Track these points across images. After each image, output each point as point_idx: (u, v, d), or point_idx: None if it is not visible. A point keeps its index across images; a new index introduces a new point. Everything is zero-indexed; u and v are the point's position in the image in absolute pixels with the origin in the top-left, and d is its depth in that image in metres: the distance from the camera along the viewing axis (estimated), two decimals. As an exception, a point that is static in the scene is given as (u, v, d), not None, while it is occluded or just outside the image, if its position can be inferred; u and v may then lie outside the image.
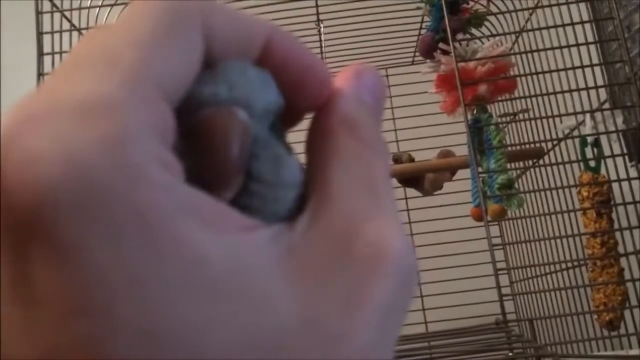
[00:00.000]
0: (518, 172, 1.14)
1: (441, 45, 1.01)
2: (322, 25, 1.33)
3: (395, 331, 0.16)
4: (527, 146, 1.09)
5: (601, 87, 0.93)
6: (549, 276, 0.97)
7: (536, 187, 1.09)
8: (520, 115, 1.09)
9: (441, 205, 1.36)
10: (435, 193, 1.32)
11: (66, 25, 0.96)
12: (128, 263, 0.12)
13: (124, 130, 0.13)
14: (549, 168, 1.03)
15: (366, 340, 0.14)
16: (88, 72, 0.14)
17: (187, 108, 0.17)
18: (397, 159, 1.31)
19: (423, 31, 1.31)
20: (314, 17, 1.32)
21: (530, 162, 1.12)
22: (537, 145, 1.08)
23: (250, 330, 0.13)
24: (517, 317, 0.80)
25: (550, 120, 1.01)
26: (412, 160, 1.29)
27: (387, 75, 1.49)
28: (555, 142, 1.02)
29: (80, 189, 0.12)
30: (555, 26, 0.98)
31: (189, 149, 0.16)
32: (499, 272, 1.34)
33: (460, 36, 1.01)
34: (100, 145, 0.12)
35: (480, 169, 0.99)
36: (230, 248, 0.14)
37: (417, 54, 1.43)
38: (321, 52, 1.39)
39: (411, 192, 1.37)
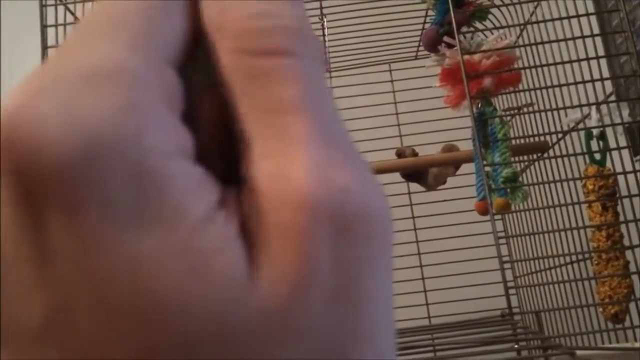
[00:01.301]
0: (522, 165, 1.14)
1: (446, 38, 1.01)
2: (325, 20, 1.32)
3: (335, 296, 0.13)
4: (532, 139, 1.09)
5: (607, 79, 0.93)
6: (553, 270, 0.97)
7: (541, 181, 1.09)
8: (525, 108, 1.09)
9: (445, 200, 1.35)
10: (439, 188, 1.31)
11: (70, 18, 0.96)
12: (124, 231, 0.12)
13: (135, 97, 0.13)
14: (553, 161, 1.03)
15: (276, 304, 0.12)
16: (96, 40, 0.14)
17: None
18: (400, 154, 1.31)
19: (427, 25, 1.31)
20: (318, 12, 1.32)
21: (535, 156, 1.11)
22: (542, 138, 1.08)
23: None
24: (520, 310, 0.79)
25: (555, 113, 1.01)
26: (415, 154, 1.28)
27: (390, 70, 1.49)
28: (560, 135, 1.02)
29: (88, 155, 0.12)
30: (560, 18, 0.97)
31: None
32: (505, 266, 1.34)
33: (464, 29, 1.01)
34: (111, 112, 0.13)
35: (485, 163, 0.99)
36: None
37: (420, 48, 1.43)
38: (324, 47, 1.39)
39: (414, 186, 1.36)
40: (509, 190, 0.95)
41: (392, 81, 1.48)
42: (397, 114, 1.47)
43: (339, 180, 0.13)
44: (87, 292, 0.12)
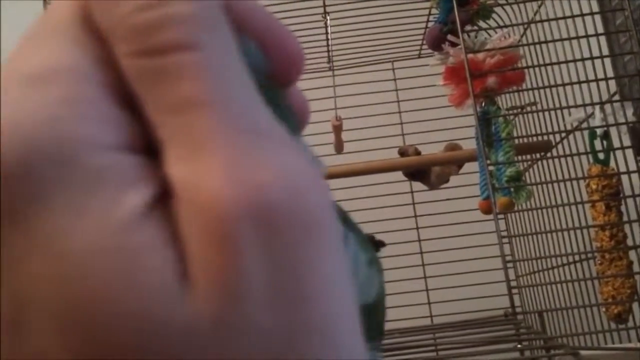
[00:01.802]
0: (526, 165, 1.14)
1: (450, 37, 1.00)
2: (328, 18, 1.32)
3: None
4: (535, 139, 1.09)
5: (611, 78, 0.92)
6: (555, 270, 0.96)
7: (544, 180, 1.09)
8: (529, 107, 1.08)
9: (447, 199, 1.35)
10: (442, 187, 1.31)
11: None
12: (58, 226, 0.12)
13: (74, 91, 0.13)
14: (556, 161, 1.02)
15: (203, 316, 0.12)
16: (43, 42, 0.14)
17: None
18: (403, 152, 1.30)
19: (430, 24, 1.31)
20: (321, 10, 1.31)
21: (538, 155, 1.11)
22: (545, 137, 1.08)
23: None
24: (522, 309, 0.79)
25: (559, 112, 1.00)
26: (418, 153, 1.28)
27: (393, 69, 1.48)
28: (563, 135, 1.01)
29: (23, 155, 0.12)
30: (564, 17, 0.97)
31: None
32: (508, 265, 1.34)
33: (468, 28, 1.00)
34: (48, 108, 0.13)
35: (488, 162, 0.99)
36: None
37: (423, 47, 1.42)
38: (327, 45, 1.39)
39: (417, 185, 1.36)
40: (512, 189, 0.95)
41: (394, 80, 1.48)
42: (399, 112, 1.47)
43: (254, 177, 0.12)
44: (26, 295, 0.12)
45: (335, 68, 1.39)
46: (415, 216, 1.43)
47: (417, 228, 1.42)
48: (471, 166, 1.25)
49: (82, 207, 0.12)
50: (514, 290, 0.81)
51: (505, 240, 1.19)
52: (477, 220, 1.28)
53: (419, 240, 1.41)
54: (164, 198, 0.13)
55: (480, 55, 0.95)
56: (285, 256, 0.12)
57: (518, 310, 1.12)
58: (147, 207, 0.13)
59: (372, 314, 0.21)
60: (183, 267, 0.12)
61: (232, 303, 0.12)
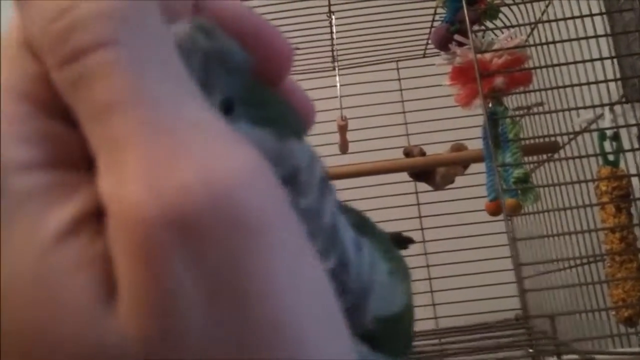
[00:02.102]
0: (532, 166, 1.13)
1: (457, 37, 0.99)
2: (333, 17, 1.31)
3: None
4: (543, 140, 1.08)
5: (620, 79, 0.91)
6: (562, 272, 0.96)
7: (550, 182, 1.08)
8: (537, 108, 1.07)
9: (452, 200, 1.34)
10: (446, 187, 1.30)
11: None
12: None
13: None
14: (564, 162, 1.01)
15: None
16: None
17: None
18: (408, 153, 1.30)
19: (435, 23, 1.30)
20: (326, 9, 1.31)
21: (545, 156, 1.10)
22: (553, 139, 1.07)
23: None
24: (524, 313, 0.78)
25: (567, 113, 0.99)
26: (423, 154, 1.27)
27: (397, 69, 1.47)
28: (572, 136, 1.00)
29: None
30: (572, 17, 0.96)
31: None
32: (507, 269, 1.33)
33: (475, 28, 0.99)
34: None
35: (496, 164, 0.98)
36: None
37: (429, 46, 1.41)
38: (332, 44, 1.38)
39: (422, 186, 1.35)
40: (519, 191, 0.94)
41: (399, 79, 1.47)
42: (404, 112, 1.46)
43: (173, 180, 0.11)
44: None
45: (339, 67, 1.38)
46: (420, 217, 1.42)
47: (422, 229, 1.41)
48: (476, 167, 1.24)
49: (6, 234, 0.12)
50: (525, 293, 0.80)
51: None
52: (482, 222, 1.27)
53: (424, 241, 1.40)
54: (99, 213, 0.12)
55: (488, 55, 0.94)
56: (217, 261, 0.11)
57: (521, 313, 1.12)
58: (74, 225, 0.12)
59: (397, 325, 0.20)
60: (111, 286, 0.12)
61: (159, 319, 0.11)
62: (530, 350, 0.70)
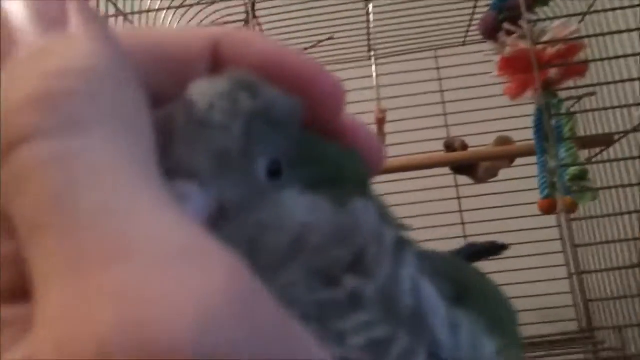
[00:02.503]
0: (584, 160, 1.07)
1: (506, 25, 0.94)
2: (370, 5, 1.26)
3: None
4: (595, 132, 1.02)
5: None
6: (625, 279, 0.90)
7: (603, 179, 1.02)
8: (590, 103, 1.01)
9: (495, 193, 1.29)
10: (489, 180, 1.25)
11: (112, 9, 0.92)
12: None
13: None
14: (620, 157, 0.96)
15: None
16: None
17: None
18: (449, 145, 1.25)
19: (477, 10, 1.24)
20: (363, -4, 1.26)
21: (598, 150, 1.04)
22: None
23: None
24: (588, 325, 0.72)
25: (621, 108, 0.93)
26: (465, 147, 1.22)
27: (436, 57, 1.42)
28: (623, 133, 0.94)
29: None
30: (623, 8, 0.90)
31: None
32: (559, 264, 1.28)
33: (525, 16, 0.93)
34: None
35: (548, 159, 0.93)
36: None
37: (469, 34, 1.36)
38: (368, 33, 1.33)
39: (462, 179, 1.30)
40: (575, 188, 0.88)
41: (437, 69, 1.41)
42: (443, 102, 1.40)
43: (90, 325, 0.09)
44: None
45: (376, 57, 1.33)
46: (461, 211, 1.37)
47: (463, 224, 1.36)
48: (523, 159, 1.19)
49: None
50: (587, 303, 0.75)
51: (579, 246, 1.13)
52: (528, 215, 1.22)
53: (464, 236, 1.35)
54: None
55: (541, 45, 0.89)
56: None
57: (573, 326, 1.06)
58: None
59: None
60: None
61: None
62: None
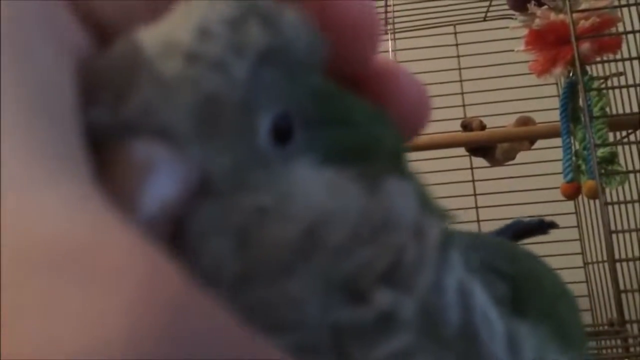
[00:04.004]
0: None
1: (537, -5, 0.88)
2: (389, -24, 1.20)
3: None
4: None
5: None
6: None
7: (630, 163, 0.96)
8: (618, 81, 0.95)
9: (512, 177, 1.24)
10: (506, 163, 1.20)
11: None
12: None
13: None
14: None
15: None
16: None
17: None
18: (466, 126, 1.20)
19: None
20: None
21: (625, 133, 0.99)
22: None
23: None
24: (619, 318, 0.67)
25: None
26: (483, 127, 1.17)
27: (455, 33, 1.36)
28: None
29: None
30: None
31: None
32: (576, 252, 1.23)
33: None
34: None
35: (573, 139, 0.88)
36: None
37: (490, 8, 1.30)
38: (385, 6, 1.27)
39: (478, 161, 1.26)
40: (602, 172, 0.83)
41: (457, 45, 1.36)
42: (461, 81, 1.35)
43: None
44: None
45: (393, 31, 1.27)
46: (475, 194, 1.32)
47: (477, 207, 1.31)
48: (542, 141, 1.14)
49: None
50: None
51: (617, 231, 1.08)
52: (545, 201, 1.18)
53: (478, 221, 1.30)
54: None
55: (574, 17, 0.83)
56: None
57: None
58: None
59: None
60: None
61: None
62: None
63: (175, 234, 0.09)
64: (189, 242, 0.10)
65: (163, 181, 0.09)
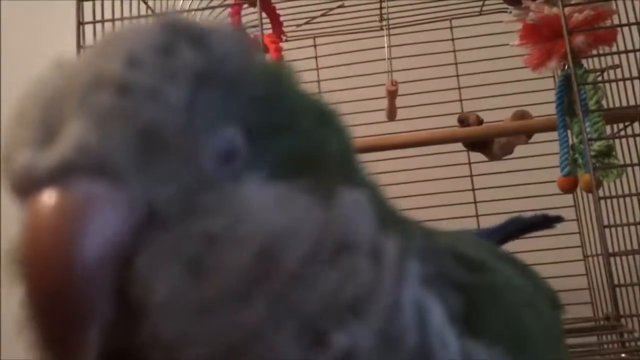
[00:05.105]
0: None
1: (530, -11, 0.88)
2: (383, -29, 1.20)
3: None
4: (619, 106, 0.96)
5: None
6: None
7: (627, 156, 0.96)
8: (615, 74, 0.95)
9: (510, 171, 1.23)
10: (503, 158, 1.20)
11: (143, 9, 0.88)
12: None
13: None
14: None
15: None
16: None
17: None
18: (462, 121, 1.19)
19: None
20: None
21: (621, 126, 0.98)
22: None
23: None
24: (615, 312, 0.67)
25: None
26: (480, 122, 1.17)
27: (451, 27, 1.35)
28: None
29: None
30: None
31: None
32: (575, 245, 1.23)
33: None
34: None
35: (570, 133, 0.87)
36: None
37: (486, 2, 1.29)
38: (380, 0, 1.26)
39: (476, 156, 1.25)
40: (599, 165, 0.83)
41: (452, 39, 1.35)
42: (457, 75, 1.34)
43: None
44: None
45: (388, 27, 1.27)
46: (473, 189, 1.31)
47: (475, 202, 1.31)
48: (540, 135, 1.14)
49: None
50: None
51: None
52: (543, 195, 1.17)
53: (477, 216, 1.30)
54: None
55: (567, 10, 0.82)
56: None
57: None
58: None
59: None
60: None
61: None
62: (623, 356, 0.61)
63: (125, 271, 0.09)
64: (140, 278, 0.09)
65: (106, 219, 0.09)
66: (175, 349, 0.09)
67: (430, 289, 0.12)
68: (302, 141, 0.10)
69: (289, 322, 0.10)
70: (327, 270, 0.10)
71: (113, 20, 0.87)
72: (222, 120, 0.10)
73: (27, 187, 0.09)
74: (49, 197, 0.09)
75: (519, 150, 1.17)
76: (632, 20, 0.89)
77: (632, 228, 0.81)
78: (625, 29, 0.89)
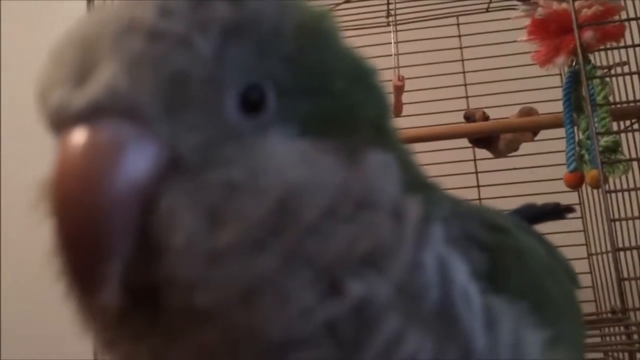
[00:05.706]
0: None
1: (539, -16, 0.88)
2: (391, -34, 1.20)
3: None
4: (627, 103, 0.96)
5: None
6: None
7: (635, 151, 0.96)
8: (622, 70, 0.95)
9: (515, 168, 1.24)
10: (509, 154, 1.20)
11: None
12: None
13: None
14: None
15: None
16: None
17: None
18: (469, 117, 1.19)
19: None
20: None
21: (628, 122, 0.98)
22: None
23: None
24: (622, 305, 0.67)
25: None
26: (486, 118, 1.17)
27: (458, 24, 1.35)
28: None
29: None
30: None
31: None
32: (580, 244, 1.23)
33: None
34: None
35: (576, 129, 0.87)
36: None
37: (492, 0, 1.29)
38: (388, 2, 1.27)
39: (481, 152, 1.25)
40: (605, 160, 0.83)
41: (459, 36, 1.35)
42: (464, 72, 1.34)
43: None
44: None
45: (395, 23, 1.27)
46: (478, 186, 1.32)
47: (480, 199, 1.31)
48: (545, 132, 1.14)
49: None
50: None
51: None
52: (548, 192, 1.17)
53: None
54: None
55: (577, 5, 0.83)
56: None
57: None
58: None
59: None
60: None
61: None
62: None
63: (147, 213, 0.09)
64: (160, 221, 0.10)
65: (133, 160, 0.09)
66: (190, 291, 0.09)
67: (455, 248, 0.12)
68: (333, 103, 0.10)
69: (304, 271, 0.10)
70: (344, 224, 0.10)
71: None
72: (251, 74, 0.10)
73: (59, 124, 0.10)
74: (79, 136, 0.09)
75: (524, 147, 1.17)
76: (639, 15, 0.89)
77: (638, 222, 0.81)
78: (634, 24, 0.89)
